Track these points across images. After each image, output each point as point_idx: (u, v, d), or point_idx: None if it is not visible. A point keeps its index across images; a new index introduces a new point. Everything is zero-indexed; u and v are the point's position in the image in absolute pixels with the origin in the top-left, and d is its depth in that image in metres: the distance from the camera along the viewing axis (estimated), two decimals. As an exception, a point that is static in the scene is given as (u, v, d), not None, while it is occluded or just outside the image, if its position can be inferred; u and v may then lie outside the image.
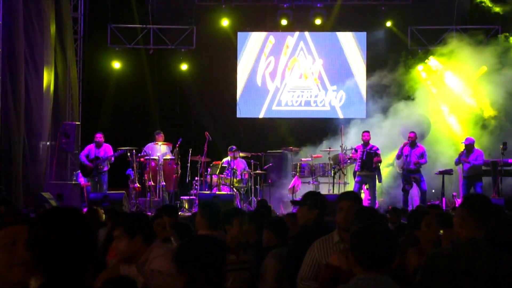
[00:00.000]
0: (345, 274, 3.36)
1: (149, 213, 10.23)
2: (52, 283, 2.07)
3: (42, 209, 9.57)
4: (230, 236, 4.88)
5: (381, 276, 3.00)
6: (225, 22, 16.69)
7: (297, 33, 17.10)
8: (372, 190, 13.53)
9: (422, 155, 13.47)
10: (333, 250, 4.21)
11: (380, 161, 13.61)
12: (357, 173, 13.61)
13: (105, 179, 13.65)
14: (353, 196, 4.48)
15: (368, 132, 13.80)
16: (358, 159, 13.51)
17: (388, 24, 16.45)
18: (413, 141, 13.45)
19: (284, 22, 16.80)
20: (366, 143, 13.61)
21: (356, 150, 13.67)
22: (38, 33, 13.28)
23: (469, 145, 13.27)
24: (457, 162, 13.47)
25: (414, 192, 13.75)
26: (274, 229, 5.10)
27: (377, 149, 13.68)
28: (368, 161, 13.44)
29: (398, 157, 13.50)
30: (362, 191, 13.67)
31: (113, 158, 13.63)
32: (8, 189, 11.97)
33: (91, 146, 13.75)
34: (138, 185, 13.46)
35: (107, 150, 13.66)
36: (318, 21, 16.71)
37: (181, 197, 13.69)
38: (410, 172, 13.33)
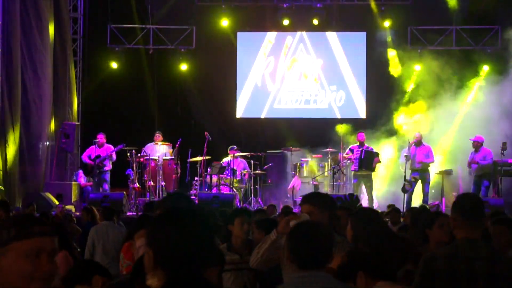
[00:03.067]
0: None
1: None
2: (174, 282, 2.13)
3: (29, 208, 9.58)
4: (234, 236, 4.91)
5: (317, 272, 2.99)
6: (225, 22, 16.68)
7: (297, 33, 17.08)
8: (369, 190, 13.55)
9: (428, 154, 13.49)
10: None
11: (380, 162, 13.64)
12: (353, 173, 13.64)
13: (107, 178, 13.70)
14: (308, 200, 4.43)
15: (363, 132, 13.80)
16: (355, 159, 13.53)
17: (388, 24, 16.43)
18: (419, 141, 13.50)
19: (284, 22, 16.77)
20: (361, 143, 13.63)
21: (351, 150, 13.68)
22: (36, 33, 13.28)
23: (476, 143, 13.25)
24: (468, 164, 13.44)
25: (416, 192, 13.73)
26: (266, 229, 5.12)
27: (372, 149, 13.73)
28: (366, 160, 13.46)
29: (407, 158, 13.39)
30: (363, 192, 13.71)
31: (114, 155, 13.68)
32: (6, 189, 11.97)
33: (93, 147, 13.79)
34: (138, 185, 13.47)
35: (108, 150, 13.71)
36: (317, 21, 16.69)
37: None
38: (417, 171, 13.34)
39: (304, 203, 4.31)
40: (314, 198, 4.36)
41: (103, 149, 13.73)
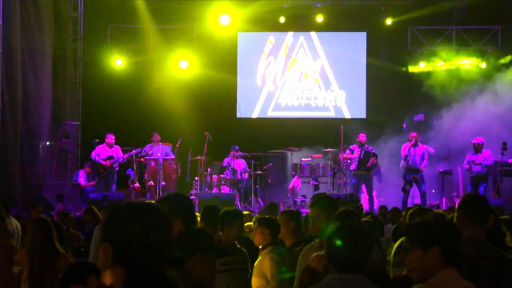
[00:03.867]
0: (321, 277, 3.33)
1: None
2: (134, 277, 2.08)
3: (36, 209, 9.58)
4: (227, 236, 4.89)
5: (354, 275, 2.97)
6: (224, 19, 16.60)
7: (297, 33, 17.09)
8: (369, 190, 13.56)
9: (423, 155, 13.50)
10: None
11: (375, 164, 13.62)
12: (353, 173, 13.65)
13: (115, 178, 13.78)
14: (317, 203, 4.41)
15: (364, 133, 13.81)
16: (355, 159, 13.54)
17: (388, 22, 16.41)
18: (416, 141, 13.50)
19: (284, 21, 16.76)
20: (362, 143, 13.64)
21: (352, 151, 13.69)
22: (36, 33, 13.26)
23: (477, 145, 13.30)
24: (468, 167, 13.42)
25: (416, 192, 13.75)
26: (271, 228, 5.15)
27: (372, 149, 13.74)
28: (366, 160, 13.47)
29: (405, 157, 13.42)
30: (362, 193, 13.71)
31: (126, 158, 13.79)
32: (5, 189, 11.96)
33: (102, 146, 13.80)
34: (138, 185, 13.48)
35: (117, 151, 13.78)
36: (318, 21, 16.68)
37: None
38: (412, 171, 13.35)
39: (313, 206, 4.31)
40: (321, 202, 4.38)
41: (113, 150, 13.80)
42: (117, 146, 13.90)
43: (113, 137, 13.88)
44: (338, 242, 3.00)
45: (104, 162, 13.63)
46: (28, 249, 5.25)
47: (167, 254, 2.15)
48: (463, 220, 3.59)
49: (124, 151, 13.81)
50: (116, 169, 13.83)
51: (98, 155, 13.73)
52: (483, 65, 15.74)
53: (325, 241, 3.13)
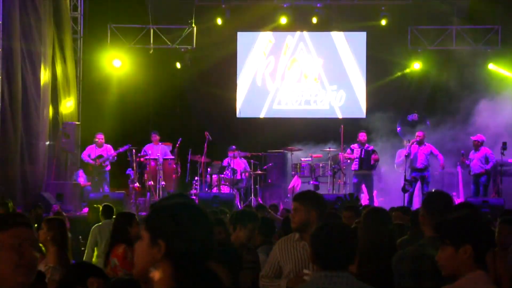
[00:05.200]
0: None
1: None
2: (183, 273, 2.13)
3: (36, 209, 9.57)
4: (237, 236, 4.92)
5: (339, 273, 2.98)
6: (221, 20, 16.59)
7: (297, 33, 17.08)
8: (369, 190, 13.55)
9: (431, 153, 13.46)
10: (293, 248, 4.27)
11: (377, 160, 13.61)
12: (354, 173, 13.64)
13: (107, 179, 13.83)
14: (299, 197, 4.45)
15: (364, 132, 13.81)
16: (356, 158, 13.53)
17: (387, 22, 16.40)
18: (421, 140, 13.45)
19: (284, 21, 16.75)
20: (362, 143, 13.63)
21: (352, 150, 13.69)
22: (36, 33, 13.26)
23: (477, 142, 13.29)
24: (466, 164, 13.42)
25: (415, 192, 13.72)
26: (260, 228, 5.21)
27: (373, 148, 13.73)
28: (367, 159, 13.46)
29: (407, 156, 13.37)
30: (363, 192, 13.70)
31: (115, 156, 13.79)
32: (6, 189, 11.95)
33: (92, 147, 13.87)
34: (138, 185, 13.48)
35: (108, 150, 13.82)
36: (317, 21, 16.67)
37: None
38: (417, 170, 13.30)
39: (294, 200, 4.39)
40: (302, 197, 4.42)
41: (103, 149, 13.83)
42: (108, 145, 13.97)
43: (102, 136, 13.99)
44: (322, 241, 3.03)
45: (93, 162, 13.68)
46: (63, 249, 5.12)
47: (212, 250, 2.23)
48: (426, 218, 3.57)
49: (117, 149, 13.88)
50: (107, 168, 13.86)
51: (89, 155, 13.81)
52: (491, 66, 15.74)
53: (310, 241, 3.16)
